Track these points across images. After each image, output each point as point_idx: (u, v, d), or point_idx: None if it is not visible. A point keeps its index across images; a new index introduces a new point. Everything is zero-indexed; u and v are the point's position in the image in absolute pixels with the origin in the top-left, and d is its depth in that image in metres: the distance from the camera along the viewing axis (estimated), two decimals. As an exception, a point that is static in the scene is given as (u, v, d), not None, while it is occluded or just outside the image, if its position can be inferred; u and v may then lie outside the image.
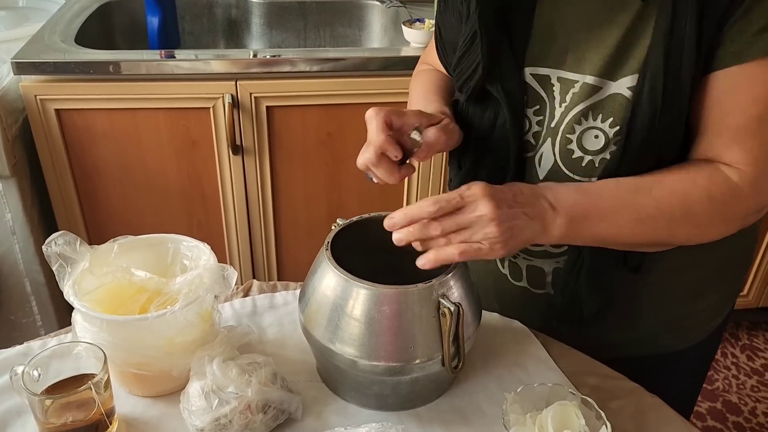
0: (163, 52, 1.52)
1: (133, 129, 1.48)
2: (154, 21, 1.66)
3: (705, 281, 0.89)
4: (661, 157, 0.73)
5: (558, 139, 0.78)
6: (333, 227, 0.80)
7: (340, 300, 0.72)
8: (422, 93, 0.92)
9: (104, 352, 0.70)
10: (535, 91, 0.79)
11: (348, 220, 0.81)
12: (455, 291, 0.73)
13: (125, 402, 0.77)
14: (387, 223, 0.70)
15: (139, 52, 1.49)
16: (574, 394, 0.75)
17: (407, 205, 1.64)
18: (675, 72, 0.68)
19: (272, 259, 1.69)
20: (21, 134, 1.44)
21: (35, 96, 1.41)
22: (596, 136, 0.75)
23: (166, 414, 0.76)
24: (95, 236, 1.60)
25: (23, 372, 0.68)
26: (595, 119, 0.75)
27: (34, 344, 0.85)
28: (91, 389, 0.66)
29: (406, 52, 1.51)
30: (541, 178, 0.81)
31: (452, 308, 0.70)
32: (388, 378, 0.73)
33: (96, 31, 1.65)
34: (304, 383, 0.80)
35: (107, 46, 1.61)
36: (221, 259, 1.63)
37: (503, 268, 0.94)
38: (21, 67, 1.38)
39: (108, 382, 0.70)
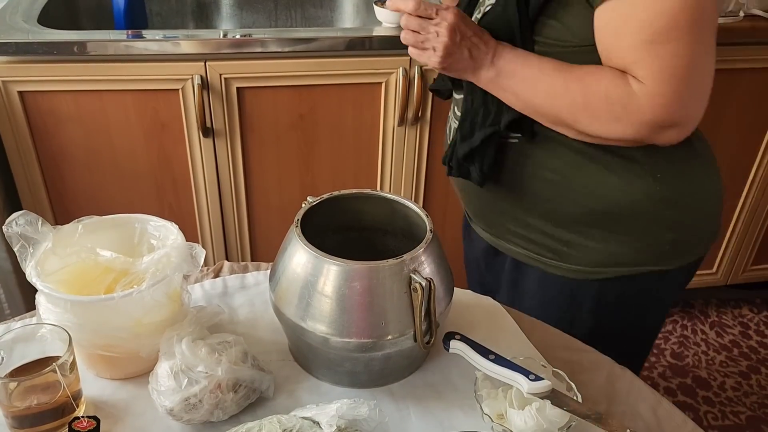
0: (130, 32, 1.48)
1: (100, 111, 1.45)
2: (120, 1, 1.62)
3: (591, 214, 0.91)
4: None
5: None
6: (303, 205, 0.79)
7: (311, 277, 0.72)
8: None
9: (69, 334, 0.68)
10: None
11: (318, 198, 0.81)
12: (426, 267, 0.73)
13: (93, 385, 0.76)
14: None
15: (105, 32, 1.45)
16: (545, 366, 0.76)
17: (380, 186, 1.64)
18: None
19: (245, 242, 1.67)
20: (-17, 117, 1.40)
21: (-3, 78, 1.37)
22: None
23: (135, 396, 0.75)
24: (63, 220, 1.54)
25: (-14, 356, 0.66)
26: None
27: (-2, 328, 0.83)
28: (56, 371, 0.65)
29: (378, 32, 1.50)
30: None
31: (423, 283, 0.70)
32: (360, 354, 0.73)
33: (60, 11, 1.60)
34: (276, 362, 0.80)
35: (72, 27, 1.57)
36: (193, 241, 1.62)
37: None
38: (-19, 48, 1.34)
39: (74, 363, 0.68)
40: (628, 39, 0.78)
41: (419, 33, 0.84)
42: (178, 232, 0.78)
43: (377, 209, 0.84)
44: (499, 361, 0.73)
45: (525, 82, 0.84)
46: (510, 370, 0.71)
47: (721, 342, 2.06)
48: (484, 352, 0.74)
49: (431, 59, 0.85)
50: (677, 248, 0.94)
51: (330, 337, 0.72)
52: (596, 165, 0.88)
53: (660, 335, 2.07)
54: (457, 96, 0.98)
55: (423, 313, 0.71)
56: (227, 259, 1.68)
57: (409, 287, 0.71)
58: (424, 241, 0.74)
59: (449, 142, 0.99)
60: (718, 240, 1.01)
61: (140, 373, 0.76)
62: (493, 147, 0.91)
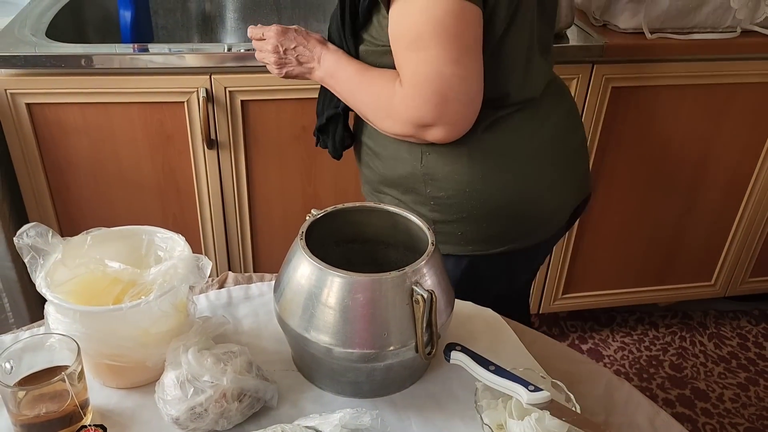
0: (136, 45, 1.51)
1: (106, 123, 1.47)
2: (126, 15, 1.65)
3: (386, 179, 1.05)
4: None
5: None
6: (307, 217, 0.81)
7: (315, 288, 0.73)
8: None
9: (77, 343, 0.70)
10: None
11: (322, 211, 0.82)
12: (428, 279, 0.74)
13: (99, 394, 0.77)
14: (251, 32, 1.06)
15: (111, 45, 1.48)
16: (544, 378, 0.77)
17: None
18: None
19: (248, 253, 1.69)
20: (-10, 128, 1.42)
21: (5, 90, 1.39)
22: None
23: (141, 405, 0.76)
24: (68, 231, 1.58)
25: (-5, 365, 0.68)
26: None
27: (6, 338, 0.84)
28: (64, 380, 0.67)
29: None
30: None
31: (425, 295, 0.71)
32: (362, 365, 0.74)
33: (67, 24, 1.63)
34: (280, 372, 0.81)
35: (79, 40, 1.60)
36: (197, 251, 1.63)
37: None
38: (-10, 61, 1.36)
39: (82, 373, 0.70)
40: (395, 45, 0.88)
41: (259, 50, 1.05)
42: (185, 244, 0.79)
43: (380, 222, 0.86)
44: (499, 372, 0.74)
45: (339, 83, 0.99)
46: (510, 381, 0.73)
47: (719, 353, 2.07)
48: (484, 363, 0.75)
49: (273, 71, 1.04)
50: (468, 236, 1.02)
51: (333, 348, 0.73)
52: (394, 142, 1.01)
53: (658, 346, 2.09)
54: None
55: (424, 325, 0.73)
56: (230, 269, 1.69)
57: (411, 299, 0.73)
58: (426, 253, 0.75)
59: None
60: (548, 234, 1.04)
61: (146, 382, 0.78)
62: (341, 124, 1.08)
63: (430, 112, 0.87)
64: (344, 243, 0.87)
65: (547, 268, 1.90)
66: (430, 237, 0.78)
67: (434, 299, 0.72)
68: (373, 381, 0.78)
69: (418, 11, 0.83)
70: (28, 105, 1.41)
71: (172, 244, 0.81)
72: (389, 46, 0.90)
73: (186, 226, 1.62)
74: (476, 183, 0.97)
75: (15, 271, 1.52)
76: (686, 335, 2.14)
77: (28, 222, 1.54)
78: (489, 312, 0.94)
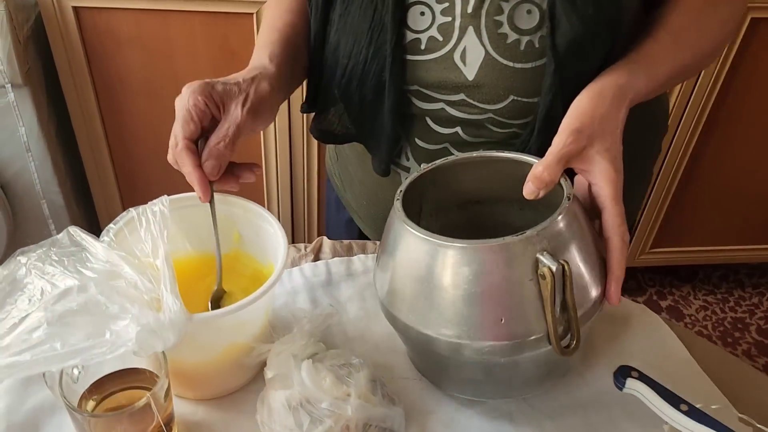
0: (198, -58, 1.28)
1: (163, 35, 1.27)
2: None
3: None
4: (612, 20, 0.64)
5: (482, 24, 0.65)
6: (404, 179, 0.63)
7: (426, 267, 0.56)
8: (259, 39, 0.77)
9: (164, 353, 0.54)
10: None
11: (419, 172, 0.65)
12: (563, 245, 0.55)
13: (180, 407, 0.63)
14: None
15: (170, -59, 1.26)
16: (745, 421, 0.60)
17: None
18: None
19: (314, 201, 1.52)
20: (34, 35, 1.24)
21: (49, -11, 1.19)
22: (529, 11, 0.65)
23: (225, 419, 0.62)
24: (118, 153, 1.43)
25: (61, 373, 0.53)
26: None
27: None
28: (150, 403, 0.52)
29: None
30: (471, 78, 0.67)
31: (554, 267, 0.53)
32: (479, 358, 0.58)
33: None
34: (399, 381, 0.66)
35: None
36: (258, 195, 1.47)
37: None
38: (32, -46, 1.16)
39: (169, 389, 0.55)
40: None
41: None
42: (277, 226, 0.62)
43: (487, 175, 0.68)
44: (695, 414, 0.57)
45: (663, 86, 0.70)
46: (711, 430, 0.56)
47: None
48: (673, 400, 0.58)
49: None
50: None
51: (459, 341, 0.56)
52: None
53: (744, 307, 1.92)
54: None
55: (558, 308, 0.55)
56: (293, 229, 1.53)
57: (536, 273, 0.55)
58: (560, 209, 0.56)
59: None
60: None
61: (229, 392, 0.63)
62: None
63: None
64: (442, 210, 0.70)
65: (638, 220, 1.71)
66: (566, 188, 0.59)
67: (567, 272, 0.54)
68: (504, 378, 0.61)
69: None
70: (75, 9, 1.22)
71: (258, 220, 0.64)
72: None
73: (245, 158, 1.45)
74: None
75: (62, 197, 1.39)
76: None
77: (75, 145, 1.40)
78: (642, 309, 0.76)
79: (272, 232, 0.62)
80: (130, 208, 0.57)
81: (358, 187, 0.88)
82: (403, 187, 0.62)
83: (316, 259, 0.79)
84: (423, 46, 0.67)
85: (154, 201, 0.57)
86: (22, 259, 0.52)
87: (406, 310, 0.58)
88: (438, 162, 0.66)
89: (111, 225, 0.56)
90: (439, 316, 0.56)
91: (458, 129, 0.72)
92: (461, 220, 0.71)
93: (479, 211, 0.71)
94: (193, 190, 0.60)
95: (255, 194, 1.48)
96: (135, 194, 1.52)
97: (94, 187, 1.48)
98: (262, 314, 0.61)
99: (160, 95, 1.35)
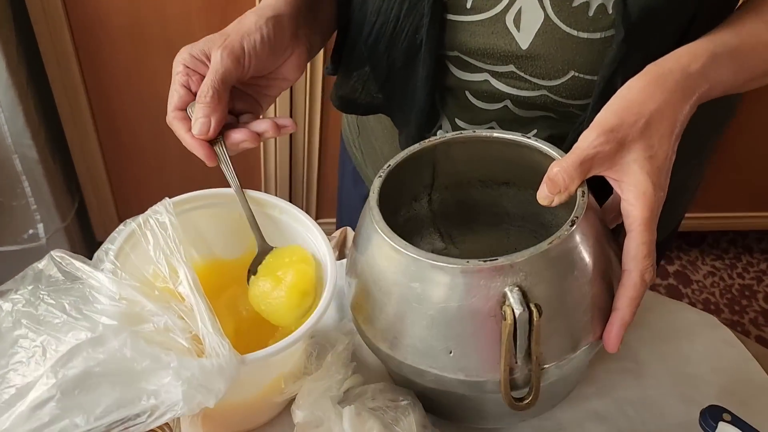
0: None
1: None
2: None
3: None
4: None
5: None
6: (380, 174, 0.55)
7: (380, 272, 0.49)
8: None
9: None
10: None
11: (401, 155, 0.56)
12: (541, 279, 0.45)
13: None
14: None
15: None
16: None
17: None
18: None
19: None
20: (-1, -34, 1.08)
21: None
22: None
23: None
24: (97, 99, 1.29)
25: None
26: None
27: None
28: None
29: None
30: (525, 46, 0.56)
31: (518, 311, 0.43)
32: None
33: None
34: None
35: None
36: (255, 164, 1.34)
37: None
38: None
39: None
40: None
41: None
42: (323, 240, 0.51)
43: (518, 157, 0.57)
44: (803, 471, 0.49)
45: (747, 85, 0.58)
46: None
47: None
48: (775, 451, 0.50)
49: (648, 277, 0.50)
50: None
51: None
52: None
53: (752, 274, 1.88)
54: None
55: (514, 353, 0.45)
56: (291, 186, 1.42)
57: (500, 309, 0.44)
58: (554, 237, 0.45)
59: None
60: None
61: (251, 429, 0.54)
62: None
63: None
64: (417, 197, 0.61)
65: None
66: (577, 206, 0.47)
67: (534, 320, 0.44)
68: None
69: None
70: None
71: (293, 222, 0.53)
72: None
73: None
74: None
75: (35, 150, 1.27)
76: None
77: (50, 93, 1.26)
78: (712, 321, 0.67)
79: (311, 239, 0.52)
80: (128, 220, 0.45)
81: (384, 164, 0.77)
82: (375, 191, 0.52)
83: (341, 255, 0.68)
84: (468, 5, 0.55)
85: (156, 207, 0.46)
86: (5, 306, 0.40)
87: (363, 318, 0.51)
88: (449, 135, 0.56)
89: (108, 244, 0.44)
90: (388, 331, 0.48)
91: (507, 103, 0.61)
92: (484, 199, 0.61)
93: (505, 193, 0.61)
94: (193, 190, 0.53)
95: (253, 173, 1.36)
96: (119, 148, 1.39)
97: (71, 140, 1.35)
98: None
99: (146, 38, 1.22)
